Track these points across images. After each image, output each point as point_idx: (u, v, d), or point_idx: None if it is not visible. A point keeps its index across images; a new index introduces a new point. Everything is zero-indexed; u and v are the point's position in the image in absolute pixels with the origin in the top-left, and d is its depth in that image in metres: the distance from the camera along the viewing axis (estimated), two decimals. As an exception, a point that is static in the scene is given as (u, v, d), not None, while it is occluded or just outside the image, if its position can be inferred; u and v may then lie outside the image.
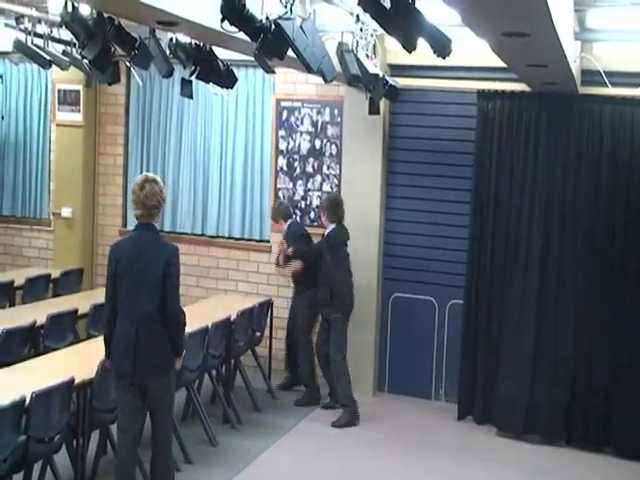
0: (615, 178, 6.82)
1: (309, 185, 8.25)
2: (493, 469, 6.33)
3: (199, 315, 6.67)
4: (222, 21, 4.15)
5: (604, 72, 6.59)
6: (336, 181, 8.09)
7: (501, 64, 5.53)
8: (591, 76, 6.73)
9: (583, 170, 6.90)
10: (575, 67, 6.04)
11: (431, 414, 7.44)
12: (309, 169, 8.25)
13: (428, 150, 7.73)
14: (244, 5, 4.18)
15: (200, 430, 6.40)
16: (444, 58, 4.16)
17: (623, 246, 6.74)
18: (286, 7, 4.33)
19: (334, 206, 7.12)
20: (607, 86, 6.65)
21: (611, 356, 6.66)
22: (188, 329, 5.89)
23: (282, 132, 8.29)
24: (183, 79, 6.62)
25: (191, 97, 6.88)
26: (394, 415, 7.39)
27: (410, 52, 4.03)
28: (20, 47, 6.62)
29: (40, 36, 6.73)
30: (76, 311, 6.81)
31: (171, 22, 4.61)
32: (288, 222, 7.62)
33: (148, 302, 4.71)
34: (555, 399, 6.75)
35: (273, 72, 5.75)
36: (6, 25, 7.06)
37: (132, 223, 8.71)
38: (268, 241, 8.43)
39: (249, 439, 6.55)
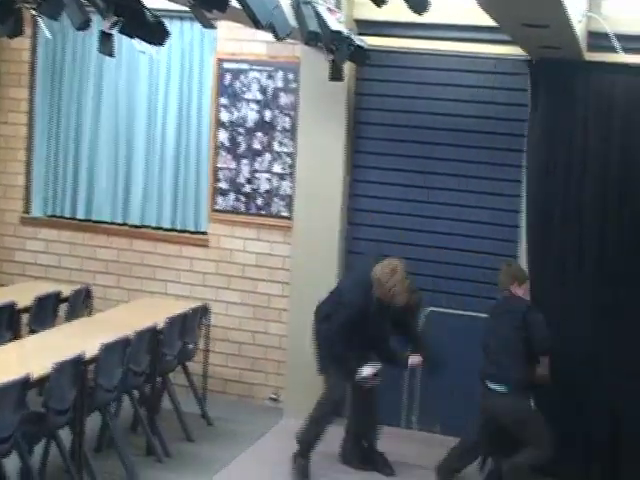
0: (627, 163, 6.94)
1: (256, 165, 8.26)
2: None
3: (119, 322, 6.72)
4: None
5: (615, 35, 6.62)
6: (289, 161, 8.13)
7: (491, 23, 5.54)
8: (599, 39, 6.78)
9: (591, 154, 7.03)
10: (580, 28, 6.09)
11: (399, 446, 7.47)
12: (256, 146, 8.26)
13: (404, 125, 7.78)
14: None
15: (117, 464, 6.38)
16: (421, 14, 4.15)
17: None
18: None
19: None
20: (618, 52, 6.71)
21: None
22: (103, 340, 6.00)
23: (224, 100, 8.30)
24: (102, 32, 6.50)
25: (112, 55, 6.78)
26: None
27: (380, 6, 4.03)
28: None
29: None
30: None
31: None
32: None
33: None
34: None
35: (213, 27, 5.70)
36: None
37: (38, 208, 8.82)
38: (205, 233, 8.43)
39: (177, 475, 6.56)
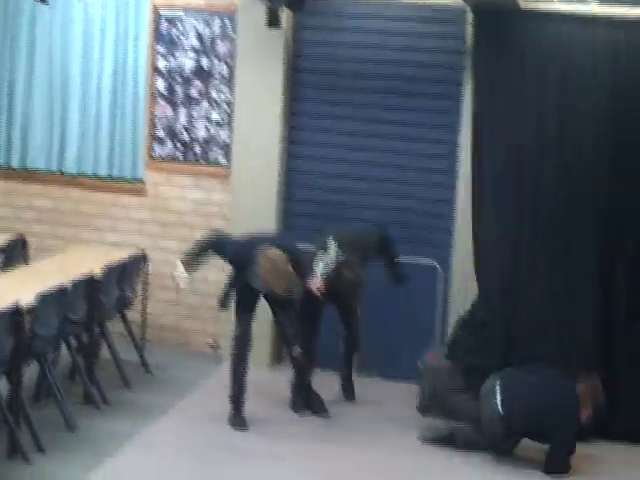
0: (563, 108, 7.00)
1: (194, 113, 8.19)
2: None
3: (55, 271, 6.60)
4: None
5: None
6: (227, 108, 8.06)
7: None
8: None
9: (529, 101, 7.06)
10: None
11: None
12: (194, 94, 8.19)
13: (341, 73, 7.78)
14: None
15: (56, 412, 6.33)
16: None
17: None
18: None
19: None
20: (553, 0, 6.74)
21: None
22: (40, 289, 5.93)
23: (161, 48, 8.19)
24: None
25: (46, 2, 6.70)
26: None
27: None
28: None
29: None
30: None
31: None
32: None
33: None
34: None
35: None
36: None
37: None
38: (142, 181, 8.35)
39: (116, 422, 6.52)
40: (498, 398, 6.22)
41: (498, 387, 6.28)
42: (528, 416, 6.17)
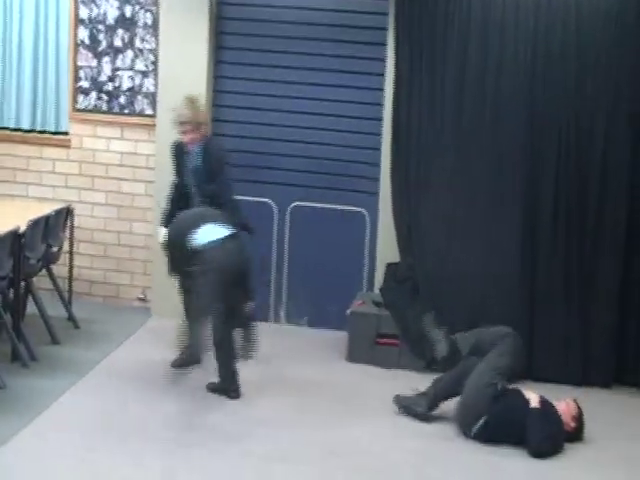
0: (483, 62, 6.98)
1: (118, 62, 8.04)
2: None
3: None
4: None
5: None
6: (152, 57, 7.94)
7: None
8: None
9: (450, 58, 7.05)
10: None
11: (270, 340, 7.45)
12: (118, 43, 8.03)
13: (269, 20, 7.72)
14: None
15: None
16: None
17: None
18: None
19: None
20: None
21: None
22: None
23: (82, -5, 8.02)
24: None
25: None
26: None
27: None
28: None
29: None
30: None
31: None
32: None
33: None
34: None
35: None
36: None
37: None
38: (67, 133, 8.19)
39: (45, 379, 6.44)
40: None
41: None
42: None
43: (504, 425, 5.83)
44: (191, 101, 6.60)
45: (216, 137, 6.81)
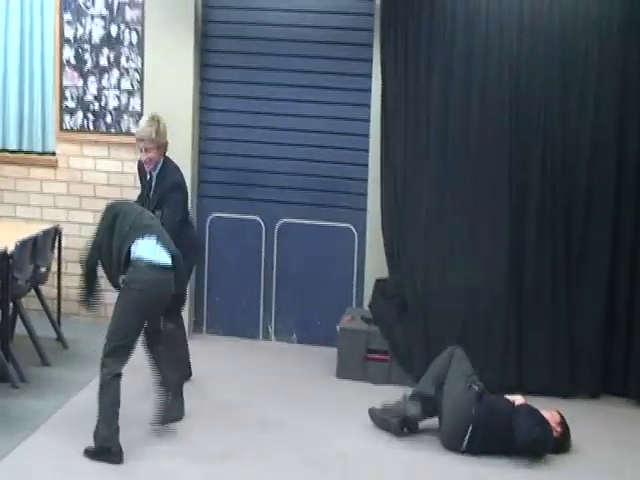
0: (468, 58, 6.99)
1: (104, 82, 8.03)
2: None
3: None
4: None
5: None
6: (137, 76, 7.94)
7: None
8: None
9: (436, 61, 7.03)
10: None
11: (259, 357, 7.59)
12: (103, 62, 8.02)
13: (255, 37, 7.75)
14: None
15: None
16: None
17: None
18: None
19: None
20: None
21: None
22: None
23: (68, 16, 8.00)
24: None
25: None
26: (217, 360, 7.50)
27: None
28: None
29: None
30: None
31: None
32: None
33: None
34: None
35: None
36: None
37: None
38: (54, 153, 8.18)
39: (36, 399, 6.42)
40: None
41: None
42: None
43: (492, 429, 5.87)
44: (153, 119, 6.44)
45: (173, 163, 6.53)
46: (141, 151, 6.45)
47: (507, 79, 6.91)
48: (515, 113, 6.94)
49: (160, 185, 6.48)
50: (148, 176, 6.61)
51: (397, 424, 6.16)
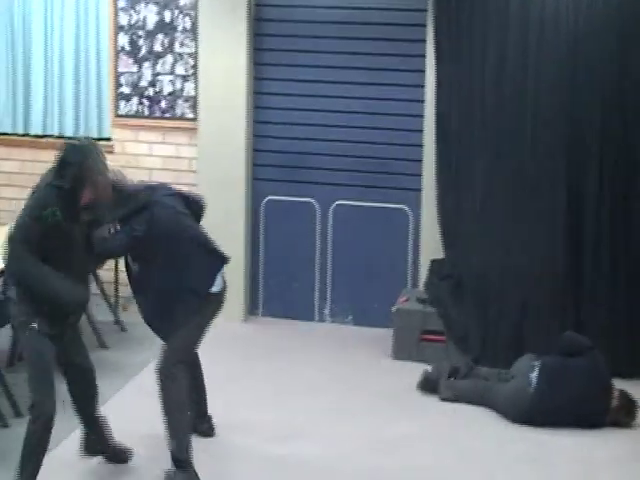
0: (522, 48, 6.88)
1: (158, 68, 8.09)
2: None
3: None
4: None
5: None
6: (191, 61, 7.98)
7: None
8: None
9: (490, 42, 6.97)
10: None
11: (315, 339, 7.63)
12: (158, 48, 8.07)
13: (307, 20, 7.74)
14: None
15: None
16: None
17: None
18: None
19: None
20: None
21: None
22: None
23: (122, 3, 8.05)
24: None
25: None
26: (274, 342, 7.54)
27: None
28: None
29: None
30: None
31: None
32: None
33: None
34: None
35: None
36: None
37: None
38: (109, 139, 8.24)
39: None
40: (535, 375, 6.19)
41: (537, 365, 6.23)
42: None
43: (560, 368, 6.15)
44: None
45: None
46: None
47: (565, 57, 6.80)
48: (572, 92, 6.82)
49: None
50: None
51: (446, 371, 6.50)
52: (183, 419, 5.22)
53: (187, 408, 5.32)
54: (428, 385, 6.54)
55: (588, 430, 5.97)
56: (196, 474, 5.12)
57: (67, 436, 5.60)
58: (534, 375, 6.12)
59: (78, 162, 4.78)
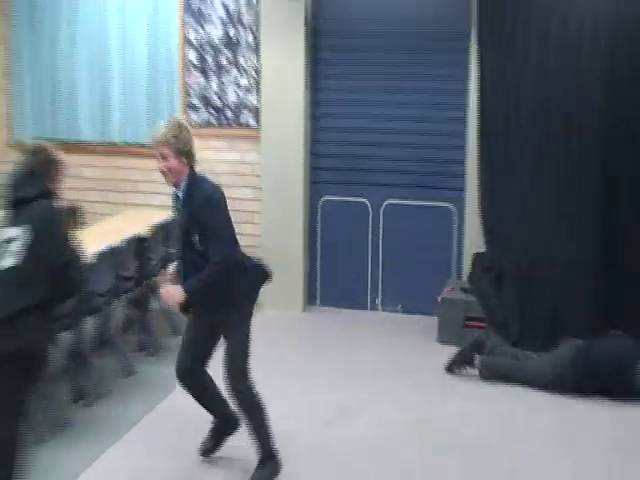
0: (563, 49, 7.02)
1: (224, 80, 8.41)
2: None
3: (106, 233, 6.83)
4: None
5: None
6: (254, 74, 8.27)
7: None
8: None
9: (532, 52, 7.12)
10: None
11: (368, 326, 7.91)
12: (223, 61, 8.40)
13: (359, 34, 7.99)
14: None
15: (113, 360, 6.70)
16: None
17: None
18: None
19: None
20: None
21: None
22: (94, 249, 6.07)
23: (190, 19, 8.37)
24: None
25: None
26: (331, 330, 7.84)
27: None
28: None
29: None
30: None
31: None
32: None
33: None
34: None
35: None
36: None
37: (23, 133, 8.83)
38: (180, 146, 8.61)
39: (169, 366, 6.14)
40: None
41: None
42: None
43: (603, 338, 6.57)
44: (172, 122, 5.12)
45: (210, 182, 5.15)
46: (158, 159, 5.02)
47: (604, 60, 6.87)
48: (612, 95, 6.87)
49: (190, 210, 4.97)
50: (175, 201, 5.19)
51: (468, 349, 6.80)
52: (262, 418, 5.10)
53: (262, 408, 5.11)
54: (459, 360, 6.82)
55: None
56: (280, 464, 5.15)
57: (98, 457, 5.48)
58: (579, 343, 6.42)
59: None
